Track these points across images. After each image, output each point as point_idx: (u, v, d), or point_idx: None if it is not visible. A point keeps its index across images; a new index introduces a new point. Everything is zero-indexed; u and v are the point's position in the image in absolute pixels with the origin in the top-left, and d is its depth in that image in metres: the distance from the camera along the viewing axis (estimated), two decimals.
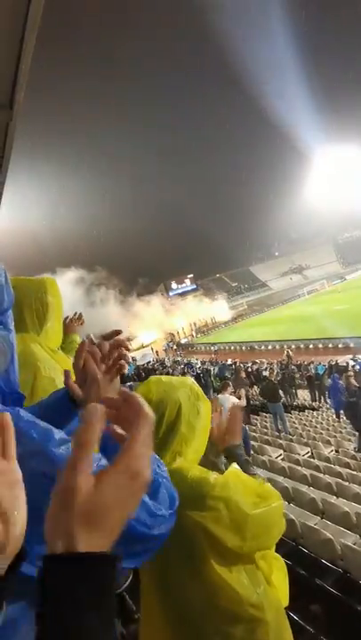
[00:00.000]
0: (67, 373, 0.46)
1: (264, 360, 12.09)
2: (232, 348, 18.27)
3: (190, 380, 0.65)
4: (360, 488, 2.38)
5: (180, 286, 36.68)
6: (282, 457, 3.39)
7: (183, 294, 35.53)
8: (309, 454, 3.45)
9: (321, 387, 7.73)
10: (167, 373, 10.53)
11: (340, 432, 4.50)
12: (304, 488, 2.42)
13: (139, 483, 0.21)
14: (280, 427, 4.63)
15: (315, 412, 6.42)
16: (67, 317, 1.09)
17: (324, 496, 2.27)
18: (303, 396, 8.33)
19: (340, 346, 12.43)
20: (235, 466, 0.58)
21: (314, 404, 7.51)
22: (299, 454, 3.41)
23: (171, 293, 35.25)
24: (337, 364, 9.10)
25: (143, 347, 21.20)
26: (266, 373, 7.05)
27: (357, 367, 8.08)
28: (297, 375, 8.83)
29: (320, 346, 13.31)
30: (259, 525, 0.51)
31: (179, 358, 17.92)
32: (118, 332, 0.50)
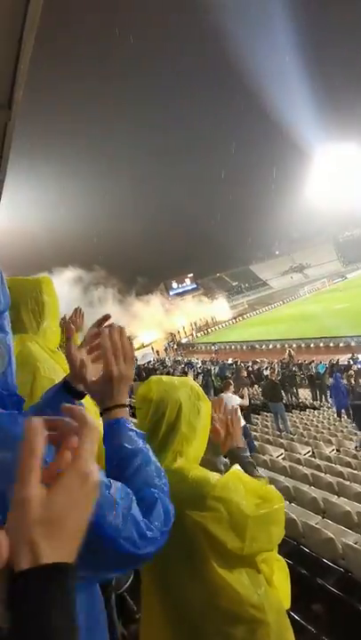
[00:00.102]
0: (82, 365, 0.46)
1: (265, 359, 12.06)
2: (233, 347, 18.26)
3: (191, 379, 0.65)
4: None
5: (180, 286, 36.67)
6: (283, 456, 3.39)
7: (183, 294, 35.51)
8: (310, 453, 3.45)
9: (322, 386, 7.71)
10: (168, 373, 10.53)
11: (342, 431, 4.49)
12: (305, 487, 2.42)
13: (89, 484, 0.22)
14: (281, 426, 4.63)
15: (316, 412, 6.41)
16: (65, 315, 1.09)
17: (325, 495, 2.27)
18: (304, 395, 8.31)
19: (341, 345, 12.40)
20: (236, 467, 0.58)
21: (315, 403, 7.49)
22: (300, 453, 3.41)
23: (171, 293, 35.28)
24: (338, 362, 9.08)
25: (144, 346, 21.18)
26: (267, 373, 7.04)
27: (358, 366, 8.05)
28: (298, 374, 8.82)
29: (321, 345, 13.27)
30: (259, 528, 0.50)
31: (179, 358, 17.93)
32: (108, 317, 0.51)
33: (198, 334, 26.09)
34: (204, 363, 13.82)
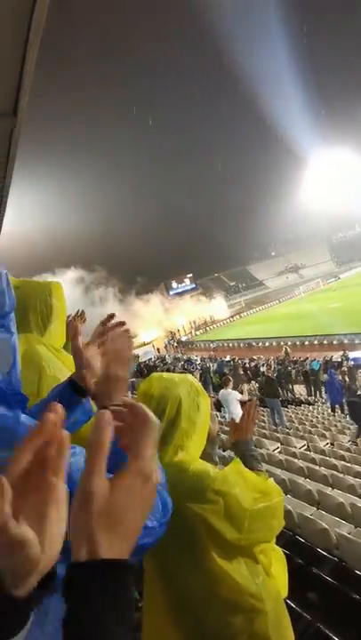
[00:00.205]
0: (86, 366, 0.47)
1: (262, 356, 12.21)
2: (230, 344, 18.43)
3: (191, 376, 0.66)
4: (355, 479, 2.43)
5: (180, 285, 36.95)
6: (279, 450, 3.44)
7: (182, 293, 35.77)
8: (306, 447, 3.51)
9: (316, 382, 7.86)
10: (168, 370, 10.51)
11: (335, 425, 4.58)
12: (300, 480, 2.46)
13: (150, 486, 0.22)
14: (277, 421, 4.69)
15: (311, 407, 6.51)
16: (69, 315, 1.09)
17: (319, 487, 2.31)
18: (299, 391, 8.45)
19: (334, 342, 12.64)
20: (237, 461, 0.59)
21: (310, 398, 7.62)
22: (295, 447, 3.46)
23: (171, 292, 35.50)
24: (331, 359, 9.26)
25: (145, 344, 21.30)
26: (263, 369, 7.12)
27: (351, 363, 8.25)
28: (293, 371, 8.97)
29: (315, 342, 13.49)
30: (257, 520, 0.51)
31: (179, 355, 17.95)
32: (113, 316, 0.51)
33: (197, 332, 26.34)
34: (202, 360, 13.93)
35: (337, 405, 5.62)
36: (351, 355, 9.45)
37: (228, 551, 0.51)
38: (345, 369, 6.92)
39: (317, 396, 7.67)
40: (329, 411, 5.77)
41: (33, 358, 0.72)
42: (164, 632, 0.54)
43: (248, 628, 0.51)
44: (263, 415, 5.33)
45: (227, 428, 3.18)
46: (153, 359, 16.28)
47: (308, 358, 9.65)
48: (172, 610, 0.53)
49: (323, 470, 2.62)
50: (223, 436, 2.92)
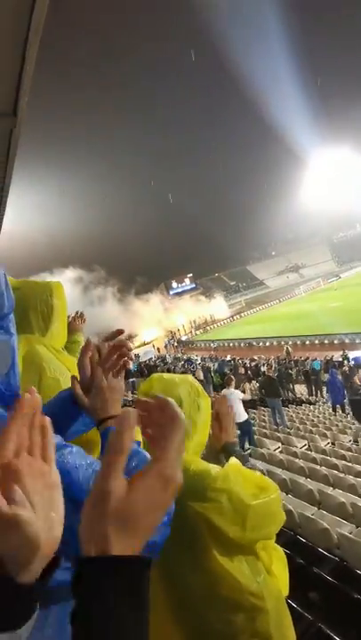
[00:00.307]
0: (73, 380, 0.47)
1: (262, 356, 12.22)
2: (231, 344, 18.41)
3: (191, 377, 0.66)
4: (355, 479, 2.43)
5: (180, 285, 37.01)
6: (280, 449, 3.44)
7: (182, 293, 35.78)
8: (306, 447, 3.51)
9: (317, 382, 7.85)
10: (168, 369, 10.52)
11: (336, 425, 4.57)
12: (301, 479, 2.46)
13: (170, 489, 0.22)
14: (278, 420, 4.70)
15: (311, 407, 6.51)
16: (68, 316, 1.10)
17: (320, 487, 2.31)
18: (300, 390, 8.44)
19: (335, 342, 12.63)
20: (235, 459, 0.60)
21: (311, 398, 7.62)
22: (296, 447, 3.46)
23: (171, 292, 35.53)
24: (332, 359, 9.23)
25: (145, 344, 21.35)
26: (264, 369, 7.12)
27: (352, 362, 8.24)
28: (294, 371, 8.95)
29: (316, 342, 13.49)
30: (259, 516, 0.52)
31: (179, 355, 17.97)
32: (120, 332, 0.51)
33: (197, 332, 26.36)
34: (203, 359, 13.93)
35: (338, 405, 5.61)
36: (351, 354, 9.42)
37: (229, 550, 0.52)
38: (346, 368, 6.91)
39: (318, 395, 7.66)
40: (330, 410, 5.76)
41: (34, 359, 0.72)
42: (165, 631, 0.54)
43: (249, 626, 0.51)
44: (264, 415, 5.34)
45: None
46: (153, 359, 16.26)
47: (308, 358, 9.65)
48: (173, 609, 0.54)
49: (324, 470, 2.62)
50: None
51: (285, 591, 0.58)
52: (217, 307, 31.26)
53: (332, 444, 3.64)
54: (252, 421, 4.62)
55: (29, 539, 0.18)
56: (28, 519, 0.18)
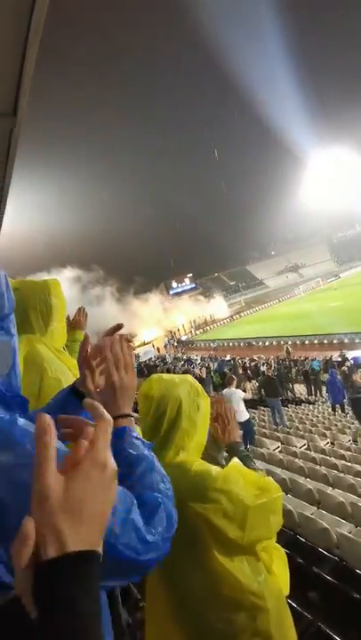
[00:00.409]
0: (86, 375, 0.47)
1: (262, 356, 12.24)
2: (230, 344, 18.43)
3: (190, 377, 0.66)
4: (355, 479, 2.44)
5: (180, 285, 37.05)
6: (279, 449, 3.45)
7: (182, 293, 35.79)
8: (306, 447, 3.51)
9: (317, 381, 7.86)
10: (168, 370, 10.51)
11: (336, 425, 4.58)
12: (301, 479, 2.47)
13: (107, 473, 0.23)
14: (278, 420, 4.70)
15: (311, 406, 6.52)
16: (68, 316, 1.09)
17: (320, 487, 2.32)
18: (300, 390, 8.46)
19: (334, 342, 12.64)
20: (236, 460, 0.60)
21: (310, 398, 7.64)
22: (296, 447, 3.47)
23: (171, 292, 35.59)
24: (331, 358, 9.26)
25: (145, 344, 21.30)
26: (263, 369, 7.13)
27: (352, 362, 8.26)
28: (293, 370, 8.98)
29: (315, 342, 13.51)
30: (258, 517, 0.52)
31: (179, 355, 17.99)
32: (120, 327, 0.51)
33: (197, 332, 26.38)
34: (203, 359, 13.95)
35: (338, 405, 5.62)
36: (350, 354, 9.45)
37: (230, 550, 0.52)
38: (345, 368, 6.92)
39: (318, 395, 7.68)
40: (329, 410, 5.77)
41: (35, 359, 0.72)
42: (166, 630, 0.54)
43: (250, 625, 0.51)
44: (264, 414, 5.36)
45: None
46: (153, 359, 16.30)
47: (308, 358, 9.69)
48: (174, 608, 0.54)
49: (323, 470, 2.62)
50: None
51: (286, 590, 0.58)
52: (217, 306, 31.31)
53: (332, 443, 3.65)
54: (253, 421, 4.68)
55: None
56: None
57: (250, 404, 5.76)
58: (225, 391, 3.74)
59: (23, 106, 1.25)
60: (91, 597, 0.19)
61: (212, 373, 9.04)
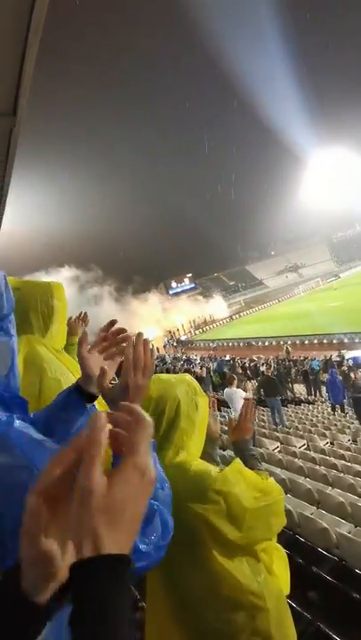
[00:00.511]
0: (102, 372, 0.46)
1: (261, 355, 12.25)
2: (230, 344, 18.44)
3: (188, 376, 0.66)
4: (354, 479, 2.44)
5: (179, 285, 37.10)
6: (279, 449, 3.45)
7: (181, 293, 35.85)
8: (305, 446, 3.51)
9: (316, 381, 7.87)
10: (167, 370, 10.53)
11: (335, 425, 4.59)
12: (300, 479, 2.47)
13: (146, 479, 0.23)
14: (277, 420, 4.70)
15: (310, 406, 6.52)
16: (70, 317, 1.08)
17: (319, 487, 2.32)
18: (299, 390, 8.47)
19: (334, 341, 12.66)
20: (237, 460, 0.60)
21: (310, 398, 7.64)
22: (295, 447, 3.47)
23: (171, 292, 35.62)
24: (331, 358, 9.27)
25: None
26: (263, 369, 7.14)
27: (351, 362, 8.27)
28: (293, 370, 8.99)
29: (315, 342, 13.53)
30: (257, 519, 0.52)
31: (179, 355, 17.97)
32: (114, 323, 0.52)
33: (197, 332, 26.34)
34: (202, 359, 13.96)
35: (338, 405, 5.63)
36: (350, 354, 9.47)
37: (229, 550, 0.52)
38: (345, 368, 6.93)
39: (317, 395, 7.68)
40: (329, 410, 5.77)
41: (34, 360, 0.72)
42: (166, 630, 0.54)
43: (250, 625, 0.51)
44: (263, 414, 5.35)
45: (227, 428, 3.11)
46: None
47: (307, 357, 9.70)
48: (174, 608, 0.54)
49: (323, 469, 2.63)
50: (224, 437, 2.94)
51: (286, 590, 0.58)
52: (216, 306, 31.32)
53: (331, 443, 3.66)
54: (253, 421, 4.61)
55: (52, 571, 0.20)
56: (57, 554, 0.20)
57: None
58: (226, 390, 3.74)
59: (23, 105, 1.26)
60: (123, 601, 0.19)
61: (211, 373, 9.06)
